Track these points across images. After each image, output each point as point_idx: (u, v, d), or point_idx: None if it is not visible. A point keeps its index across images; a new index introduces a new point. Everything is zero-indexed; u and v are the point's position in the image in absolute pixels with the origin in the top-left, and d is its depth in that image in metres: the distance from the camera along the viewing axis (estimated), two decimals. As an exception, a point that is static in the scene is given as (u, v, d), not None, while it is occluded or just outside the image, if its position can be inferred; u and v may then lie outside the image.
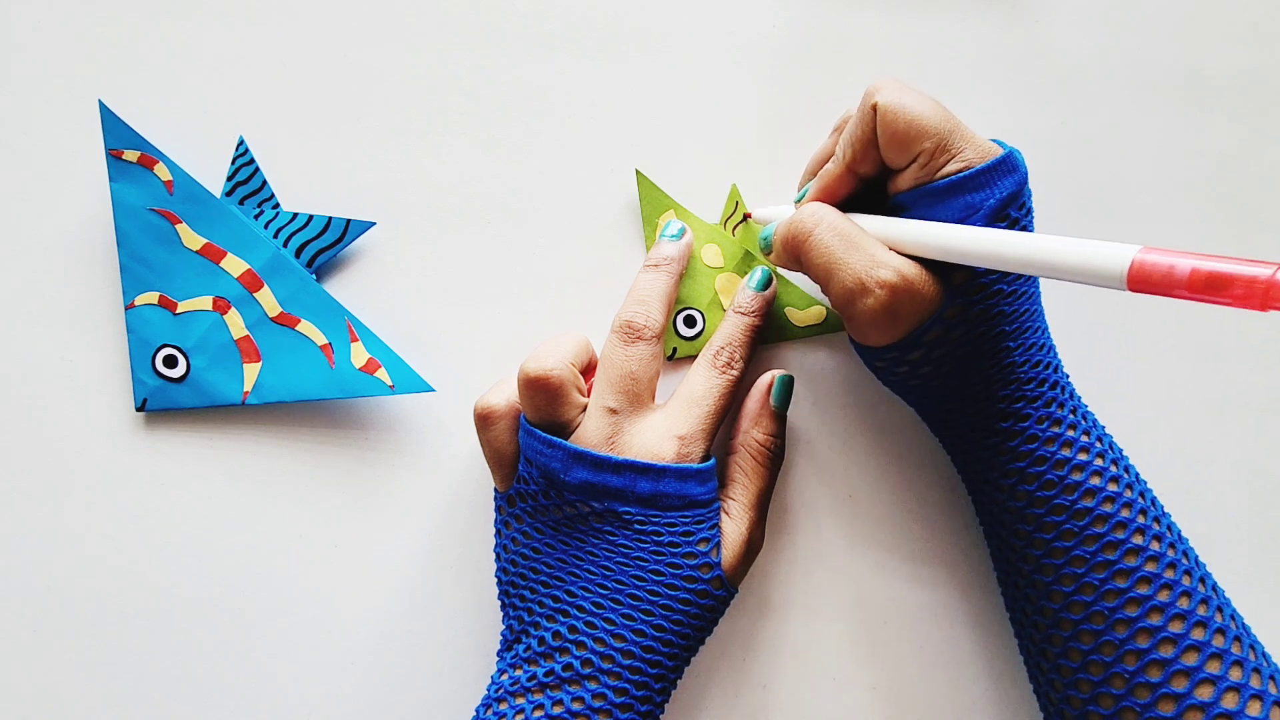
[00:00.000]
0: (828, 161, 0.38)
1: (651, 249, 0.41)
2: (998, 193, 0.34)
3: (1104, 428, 0.37)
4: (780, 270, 0.43)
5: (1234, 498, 0.43)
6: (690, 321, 0.43)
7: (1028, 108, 0.45)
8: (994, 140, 0.35)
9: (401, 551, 0.42)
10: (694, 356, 0.42)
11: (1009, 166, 0.34)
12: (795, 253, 0.36)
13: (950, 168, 0.34)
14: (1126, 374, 0.44)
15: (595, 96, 0.44)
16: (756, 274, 0.41)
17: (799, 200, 0.39)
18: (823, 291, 0.36)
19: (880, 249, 0.34)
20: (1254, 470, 0.43)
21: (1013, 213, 0.34)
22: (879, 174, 0.37)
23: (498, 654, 0.37)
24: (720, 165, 0.44)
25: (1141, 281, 0.25)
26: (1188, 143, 0.45)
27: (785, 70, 0.45)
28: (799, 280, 0.43)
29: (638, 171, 0.43)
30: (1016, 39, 0.45)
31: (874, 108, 0.35)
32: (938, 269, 0.34)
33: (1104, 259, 0.27)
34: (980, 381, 0.35)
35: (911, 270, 0.34)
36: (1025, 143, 0.44)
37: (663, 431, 0.36)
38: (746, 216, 0.43)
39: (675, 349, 0.43)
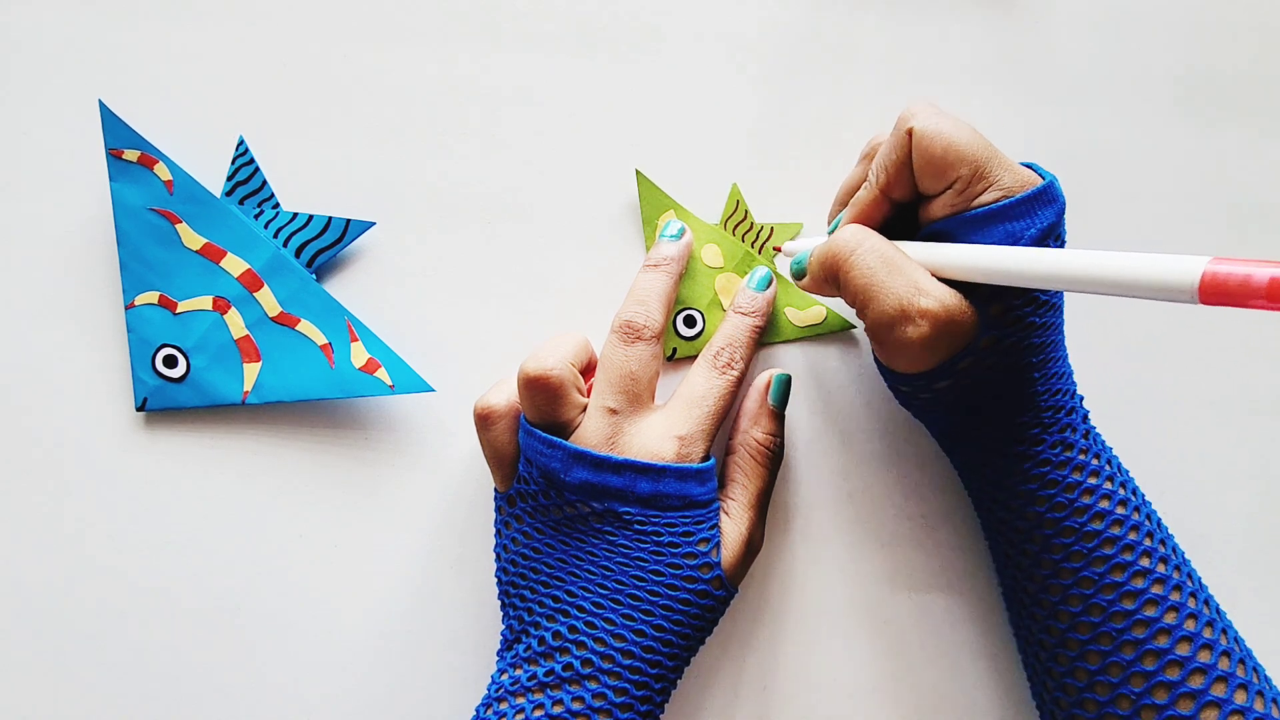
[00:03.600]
0: (858, 189, 0.37)
1: (651, 249, 0.41)
2: (1038, 223, 0.33)
3: (1113, 450, 0.37)
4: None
5: (1235, 499, 0.43)
6: (690, 321, 0.43)
7: (1028, 109, 0.45)
8: (1030, 165, 0.35)
9: (401, 551, 0.42)
10: (694, 356, 0.42)
11: (1049, 196, 0.33)
12: (833, 273, 0.35)
13: (987, 196, 0.33)
14: (1127, 374, 0.44)
15: (595, 96, 0.44)
16: (757, 274, 0.41)
17: (831, 231, 0.38)
18: (859, 315, 0.35)
19: (923, 275, 0.33)
20: (1255, 471, 0.43)
21: (1050, 244, 0.33)
22: (911, 200, 0.36)
23: (498, 654, 0.37)
24: (720, 165, 0.44)
25: (1215, 293, 0.24)
26: (1189, 143, 0.45)
27: (786, 70, 0.45)
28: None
29: (638, 171, 0.43)
30: (1016, 40, 0.45)
31: (909, 132, 0.34)
32: (975, 300, 0.33)
33: (1173, 273, 0.25)
34: (999, 408, 0.35)
35: (953, 300, 0.33)
36: (1025, 144, 0.44)
37: (663, 431, 0.36)
38: (777, 250, 0.43)
39: (675, 349, 0.43)
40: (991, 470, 0.36)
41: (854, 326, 0.43)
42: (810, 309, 0.43)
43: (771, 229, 0.43)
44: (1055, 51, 0.45)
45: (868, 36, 0.45)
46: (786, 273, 0.42)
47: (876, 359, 0.37)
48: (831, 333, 0.43)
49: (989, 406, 0.35)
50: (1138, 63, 0.45)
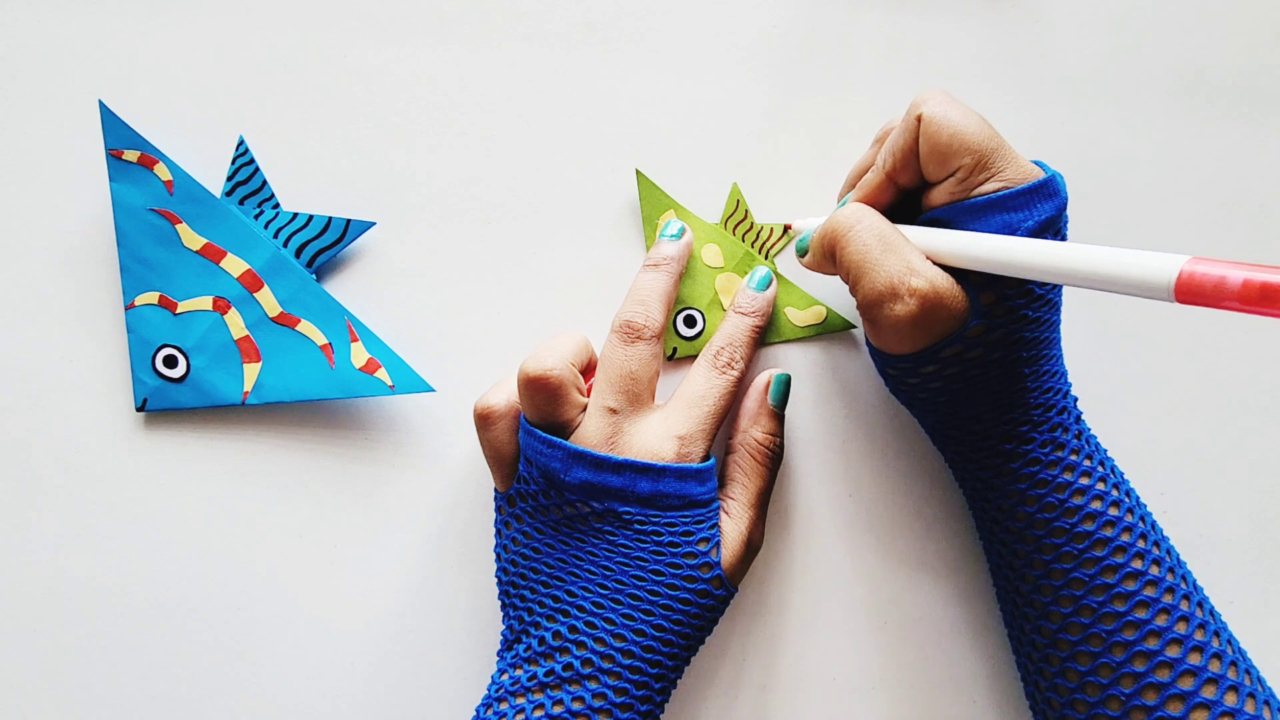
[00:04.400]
0: (868, 171, 0.38)
1: (651, 249, 0.41)
2: (1035, 215, 0.33)
3: (1107, 451, 0.37)
4: (781, 272, 0.43)
5: (1235, 499, 0.43)
6: (690, 321, 0.43)
7: (1028, 107, 0.45)
8: (1037, 163, 0.35)
9: (401, 551, 0.42)
10: (694, 356, 0.42)
11: (1049, 190, 0.33)
12: (831, 249, 0.36)
13: (988, 186, 0.34)
14: (1127, 375, 0.44)
15: (595, 96, 0.44)
16: (757, 274, 0.41)
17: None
18: (851, 292, 0.35)
19: (917, 256, 0.34)
20: (1255, 471, 0.43)
21: (1049, 238, 0.33)
22: (918, 186, 0.36)
23: (498, 654, 0.38)
24: (720, 165, 0.44)
25: (1190, 293, 0.24)
26: (1189, 143, 0.45)
27: (786, 70, 0.45)
28: (800, 281, 0.43)
29: (638, 171, 0.43)
30: (1016, 39, 0.45)
31: (918, 119, 0.34)
32: (968, 287, 0.34)
33: (1150, 270, 0.26)
34: (988, 403, 0.35)
35: (944, 283, 0.33)
36: (1025, 142, 0.44)
37: (663, 431, 0.36)
38: (787, 228, 0.43)
39: (675, 349, 0.43)
40: (982, 469, 0.37)
41: (854, 326, 0.43)
42: (810, 309, 0.43)
43: (771, 229, 0.43)
44: (1056, 50, 0.45)
45: (868, 36, 0.45)
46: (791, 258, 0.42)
47: (868, 342, 0.37)
48: (831, 333, 0.43)
49: (979, 401, 0.35)
50: (1138, 61, 0.45)
